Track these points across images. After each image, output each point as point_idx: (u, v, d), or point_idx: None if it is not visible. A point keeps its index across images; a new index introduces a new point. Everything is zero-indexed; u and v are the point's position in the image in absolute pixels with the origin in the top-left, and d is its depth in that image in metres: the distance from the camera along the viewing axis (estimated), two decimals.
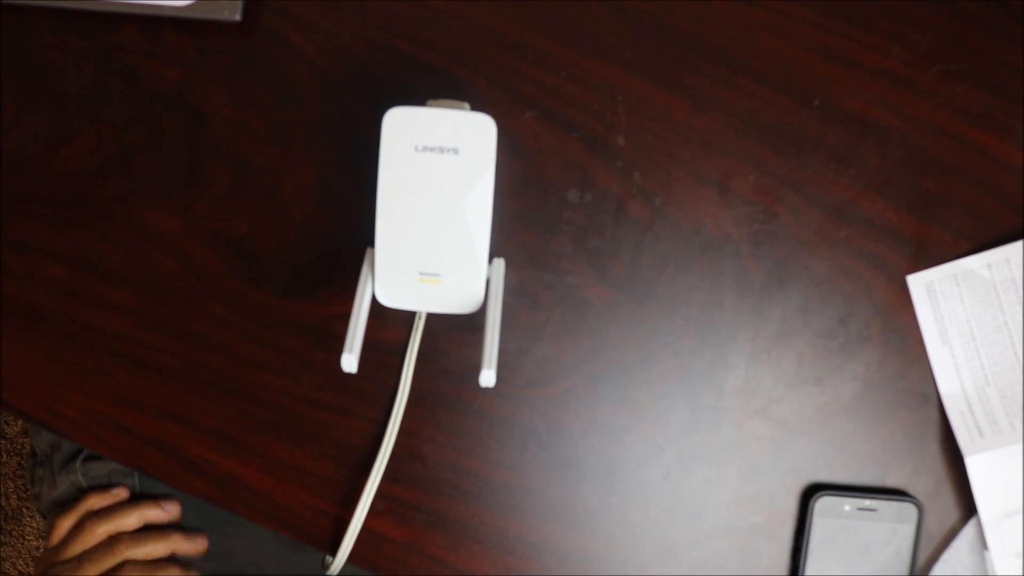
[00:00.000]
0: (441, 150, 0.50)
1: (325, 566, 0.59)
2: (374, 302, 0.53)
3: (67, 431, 0.60)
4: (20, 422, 1.30)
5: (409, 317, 0.58)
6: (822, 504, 0.57)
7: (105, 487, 0.68)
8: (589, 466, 0.58)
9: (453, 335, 0.58)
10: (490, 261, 0.53)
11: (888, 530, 0.57)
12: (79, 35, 0.58)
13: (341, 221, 0.58)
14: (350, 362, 0.49)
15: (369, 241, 0.57)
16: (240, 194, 0.58)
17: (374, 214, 0.51)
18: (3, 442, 1.30)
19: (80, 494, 0.68)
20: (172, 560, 0.66)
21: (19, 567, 1.31)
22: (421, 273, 0.51)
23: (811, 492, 0.57)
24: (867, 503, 0.57)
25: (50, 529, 0.67)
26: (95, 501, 0.67)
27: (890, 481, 0.58)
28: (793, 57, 0.56)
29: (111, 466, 0.69)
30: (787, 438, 0.58)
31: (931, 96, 0.56)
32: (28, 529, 1.31)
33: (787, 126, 0.57)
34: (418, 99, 0.57)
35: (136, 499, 0.68)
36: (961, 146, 0.56)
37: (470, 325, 0.58)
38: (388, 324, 0.58)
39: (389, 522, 0.59)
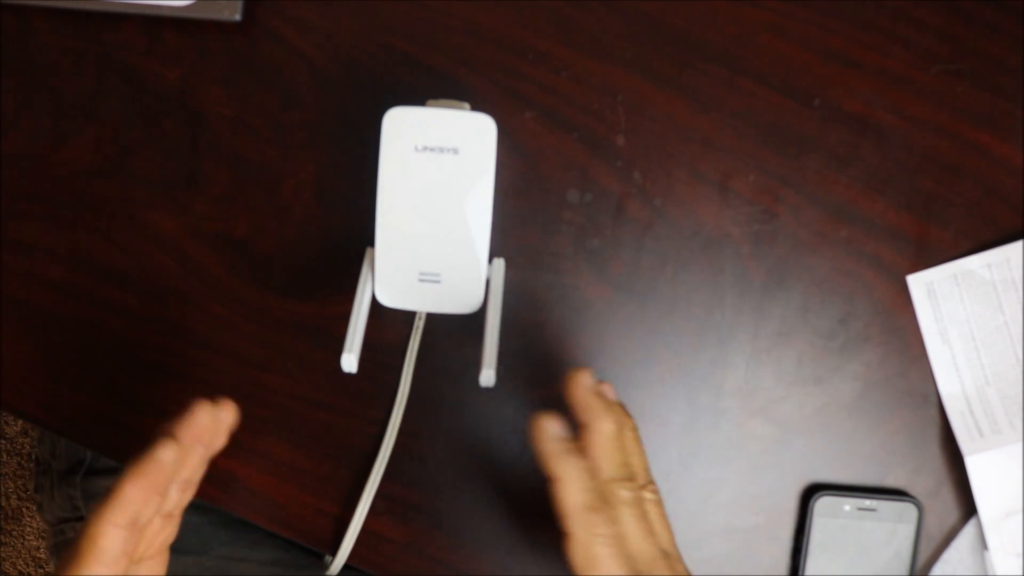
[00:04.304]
0: (441, 150, 0.50)
1: (325, 566, 0.59)
2: (374, 302, 0.53)
3: (67, 431, 0.59)
4: (20, 422, 1.30)
5: (409, 317, 0.58)
6: (822, 504, 0.57)
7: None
8: None
9: (453, 335, 0.58)
10: (490, 261, 0.53)
11: (888, 530, 0.57)
12: (79, 35, 0.58)
13: (341, 221, 0.58)
14: (350, 362, 0.49)
15: (369, 241, 0.57)
16: (240, 194, 0.58)
17: (374, 214, 0.51)
18: (3, 442, 1.30)
19: (76, 512, 0.67)
20: None
21: (19, 567, 1.31)
22: (421, 273, 0.51)
23: (811, 492, 0.57)
24: (867, 503, 0.57)
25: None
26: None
27: (890, 481, 0.58)
28: (793, 57, 0.56)
29: (110, 484, 0.67)
30: (787, 438, 0.58)
31: (931, 96, 0.56)
32: (28, 529, 1.31)
33: (787, 126, 0.57)
34: (418, 99, 0.57)
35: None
36: (961, 146, 0.56)
37: (470, 325, 0.58)
38: (388, 324, 0.58)
39: (389, 522, 0.59)
